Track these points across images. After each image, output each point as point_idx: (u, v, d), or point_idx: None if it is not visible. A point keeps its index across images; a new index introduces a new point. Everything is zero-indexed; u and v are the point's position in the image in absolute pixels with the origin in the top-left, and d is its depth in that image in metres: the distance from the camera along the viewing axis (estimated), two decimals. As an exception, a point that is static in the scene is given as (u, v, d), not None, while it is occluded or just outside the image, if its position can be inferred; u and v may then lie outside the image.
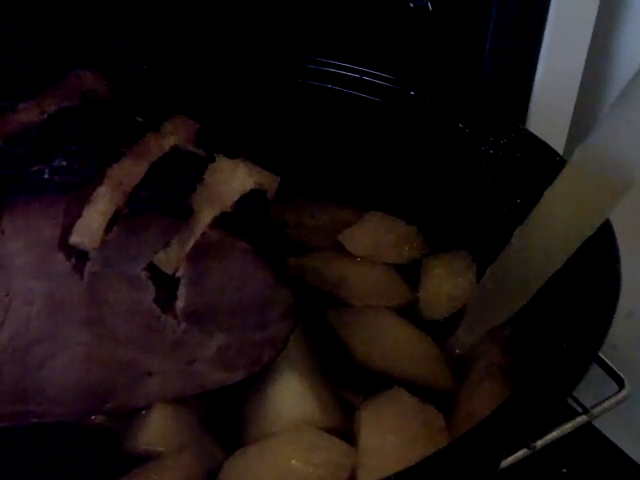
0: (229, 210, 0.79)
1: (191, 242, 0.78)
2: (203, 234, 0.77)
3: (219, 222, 0.78)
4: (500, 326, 0.95)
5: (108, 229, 0.77)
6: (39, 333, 0.83)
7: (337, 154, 1.12)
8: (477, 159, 1.02)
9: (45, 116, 0.85)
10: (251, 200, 0.82)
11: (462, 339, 0.95)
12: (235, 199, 0.80)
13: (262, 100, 1.10)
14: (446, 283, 1.04)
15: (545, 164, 0.96)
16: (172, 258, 0.79)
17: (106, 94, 0.91)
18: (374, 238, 1.09)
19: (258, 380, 0.91)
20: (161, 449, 0.87)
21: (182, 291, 0.81)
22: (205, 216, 0.79)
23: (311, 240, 1.11)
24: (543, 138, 1.01)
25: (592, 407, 0.82)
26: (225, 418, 0.91)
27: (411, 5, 1.10)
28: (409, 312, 1.02)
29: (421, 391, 0.92)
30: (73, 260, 0.79)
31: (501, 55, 1.08)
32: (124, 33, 1.08)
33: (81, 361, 0.85)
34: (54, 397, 0.88)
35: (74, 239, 0.77)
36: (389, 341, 0.97)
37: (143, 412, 0.90)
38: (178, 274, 0.80)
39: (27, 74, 0.98)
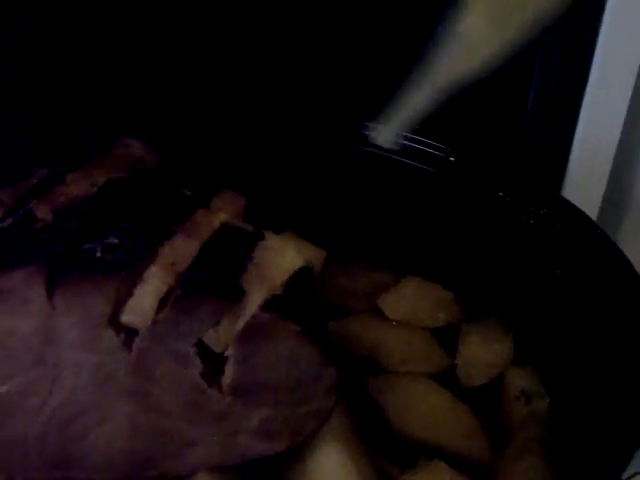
0: (280, 292, 0.78)
1: (241, 322, 0.78)
2: (254, 316, 0.77)
3: (270, 304, 0.77)
4: (538, 399, 0.94)
5: (159, 308, 0.76)
6: (85, 404, 0.83)
7: (375, 217, 1.11)
8: (517, 228, 1.01)
9: (95, 189, 0.84)
10: (300, 278, 0.81)
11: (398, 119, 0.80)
12: (285, 279, 0.80)
13: (298, 163, 1.10)
14: (483, 350, 1.03)
15: (586, 237, 0.96)
16: (221, 337, 0.79)
17: (153, 163, 0.90)
18: (412, 303, 1.08)
19: (298, 449, 0.90)
20: (200, 519, 0.85)
21: (229, 368, 0.81)
22: (255, 296, 0.78)
23: (348, 302, 1.11)
24: (577, 204, 1.00)
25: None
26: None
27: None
28: (446, 378, 1.01)
29: (459, 461, 0.91)
30: (122, 336, 0.79)
31: (541, 123, 1.08)
32: (166, 96, 1.07)
33: (125, 431, 0.85)
34: (96, 465, 0.87)
35: (126, 318, 0.77)
36: (427, 410, 0.97)
37: (184, 481, 0.88)
38: (227, 353, 0.79)
39: (74, 138, 0.97)
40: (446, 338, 1.07)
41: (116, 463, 0.88)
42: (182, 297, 0.76)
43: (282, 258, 0.82)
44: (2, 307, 0.78)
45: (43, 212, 0.81)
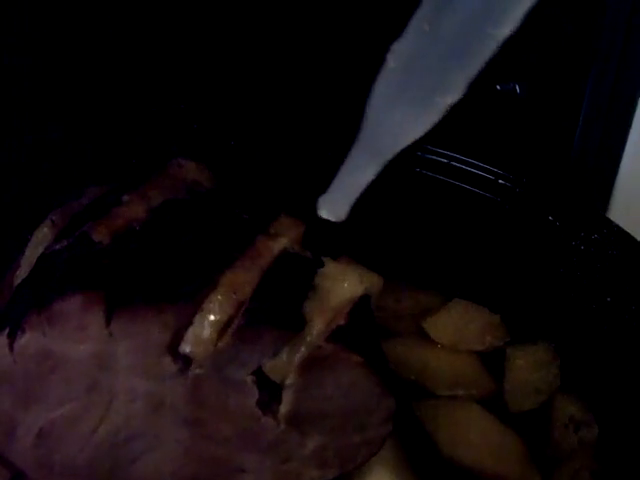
0: (343, 322, 0.75)
1: (302, 352, 0.75)
2: (318, 347, 0.73)
3: (334, 335, 0.73)
4: (587, 427, 0.91)
5: (218, 337, 0.72)
6: (137, 429, 0.80)
7: (422, 238, 1.08)
8: (566, 253, 0.98)
9: (150, 211, 0.80)
10: (360, 307, 0.77)
11: (341, 189, 0.78)
12: (347, 308, 0.76)
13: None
14: (530, 375, 1.00)
15: (636, 264, 0.92)
16: (281, 367, 0.75)
17: (208, 184, 0.87)
18: (458, 326, 1.05)
19: (348, 475, 0.86)
20: None
21: (287, 397, 0.77)
22: (317, 326, 0.75)
23: (393, 324, 1.07)
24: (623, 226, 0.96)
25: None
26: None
27: (498, 88, 1.06)
28: (493, 403, 0.97)
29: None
30: (179, 363, 0.76)
31: (590, 145, 1.04)
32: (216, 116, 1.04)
33: (176, 457, 0.82)
34: (145, 489, 0.83)
35: (185, 348, 0.74)
36: (475, 436, 0.94)
37: (232, 506, 0.84)
38: (287, 382, 0.75)
39: (124, 157, 0.93)
40: (492, 362, 1.02)
41: (164, 488, 0.83)
42: (244, 327, 0.72)
43: (343, 286, 0.78)
44: (58, 332, 0.74)
45: (100, 235, 0.77)
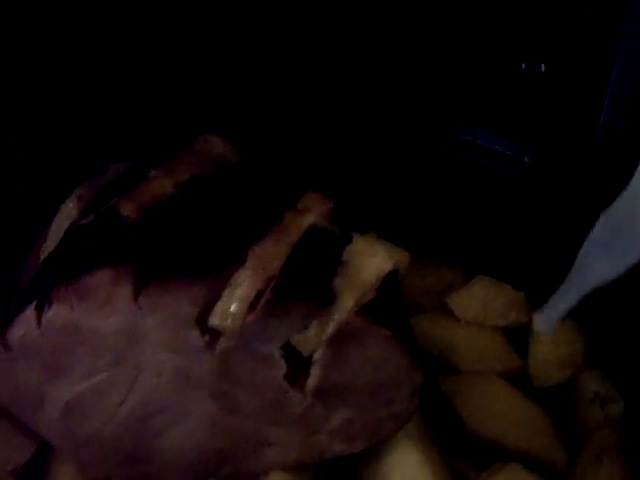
0: (372, 296, 0.74)
1: (331, 326, 0.74)
2: (347, 321, 0.73)
3: (363, 309, 0.73)
4: (613, 402, 0.90)
5: (248, 312, 0.72)
6: (164, 403, 0.80)
7: (447, 215, 1.07)
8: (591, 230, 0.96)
9: (177, 186, 0.80)
10: (389, 282, 0.77)
11: (553, 313, 0.82)
12: (375, 283, 0.75)
13: (373, 161, 1.05)
14: (555, 351, 0.99)
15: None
16: (310, 341, 0.75)
17: (234, 160, 0.86)
18: (482, 302, 1.04)
19: (375, 450, 0.86)
20: (275, 518, 0.81)
21: (315, 371, 0.77)
22: (346, 300, 0.74)
23: (418, 300, 1.06)
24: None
25: None
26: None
27: (523, 66, 1.04)
28: (518, 379, 0.97)
29: (532, 463, 0.88)
30: (207, 337, 0.75)
31: (616, 120, 1.02)
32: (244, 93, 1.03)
33: (203, 430, 0.82)
34: (171, 462, 0.84)
35: (214, 322, 0.73)
36: (500, 411, 0.93)
37: (260, 479, 0.84)
38: (315, 356, 0.75)
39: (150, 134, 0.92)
40: (517, 338, 1.01)
41: (191, 461, 0.84)
42: (273, 302, 0.72)
43: (372, 261, 0.78)
44: (86, 305, 0.74)
45: (127, 209, 0.76)
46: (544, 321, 0.81)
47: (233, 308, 0.72)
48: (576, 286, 0.79)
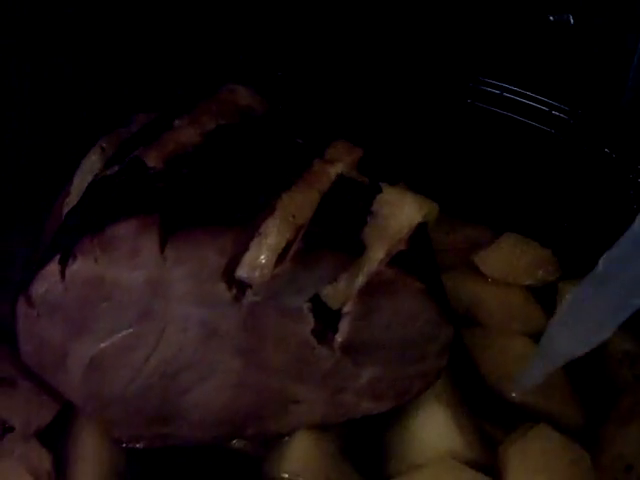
0: (403, 247, 0.72)
1: (361, 278, 0.72)
2: (378, 272, 0.70)
3: (394, 260, 0.70)
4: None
5: (276, 263, 0.70)
6: (190, 359, 0.78)
7: (474, 172, 1.04)
8: (622, 186, 0.94)
9: (204, 135, 0.77)
10: (420, 234, 0.74)
11: (526, 380, 0.84)
12: (406, 234, 0.73)
13: (401, 114, 1.03)
14: (583, 311, 0.95)
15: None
16: (340, 293, 0.72)
17: (260, 109, 0.83)
18: (509, 260, 1.02)
19: (401, 409, 0.85)
20: (301, 479, 0.81)
21: (345, 325, 0.75)
22: (376, 252, 0.72)
23: (443, 258, 1.03)
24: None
25: None
26: (366, 447, 0.85)
27: (551, 18, 1.02)
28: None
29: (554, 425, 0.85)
30: (234, 290, 0.73)
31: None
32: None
33: (229, 388, 0.80)
34: (196, 421, 0.82)
35: (242, 273, 0.71)
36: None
37: (285, 438, 0.83)
38: (344, 309, 0.72)
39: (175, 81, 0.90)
40: (544, 297, 0.99)
41: (217, 420, 0.83)
42: (303, 252, 0.69)
43: (402, 212, 0.76)
44: (110, 258, 0.72)
45: (153, 160, 0.74)
46: (521, 387, 0.85)
47: (262, 259, 0.70)
48: (547, 360, 0.80)
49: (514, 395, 0.90)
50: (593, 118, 0.99)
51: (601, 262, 0.69)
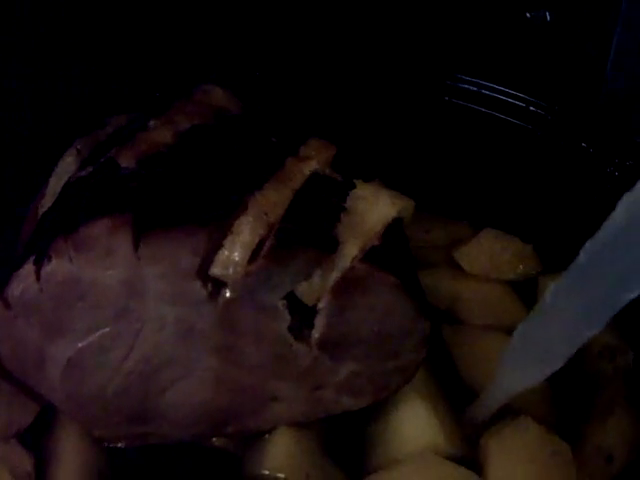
0: (377, 243, 0.72)
1: (335, 274, 0.72)
2: (352, 268, 0.70)
3: (368, 256, 0.70)
4: (622, 354, 0.88)
5: (250, 260, 0.70)
6: (167, 358, 0.78)
7: (453, 168, 1.04)
8: (600, 180, 0.94)
9: (177, 135, 0.77)
10: (394, 229, 0.74)
11: (483, 408, 0.85)
12: (380, 230, 0.73)
13: (377, 111, 1.03)
14: (564, 304, 0.95)
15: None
16: (314, 290, 0.72)
17: (235, 110, 0.83)
18: (490, 256, 1.02)
19: (381, 405, 0.84)
20: (282, 476, 0.81)
21: (320, 322, 0.75)
22: (350, 248, 0.72)
23: (424, 254, 1.04)
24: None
25: None
26: (347, 443, 0.85)
27: (528, 15, 1.02)
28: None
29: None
30: (209, 288, 0.73)
31: (623, 69, 1.00)
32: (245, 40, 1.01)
33: (207, 386, 0.80)
34: (176, 419, 0.82)
35: (215, 271, 0.71)
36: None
37: (266, 436, 0.83)
38: (319, 306, 0.72)
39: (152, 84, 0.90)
40: (525, 292, 0.99)
41: (196, 418, 0.83)
42: (276, 248, 0.69)
43: (376, 208, 0.75)
44: (85, 258, 0.72)
45: (126, 160, 0.74)
46: (475, 417, 0.84)
47: (235, 256, 0.70)
48: (500, 392, 0.80)
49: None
50: (570, 114, 0.98)
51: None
